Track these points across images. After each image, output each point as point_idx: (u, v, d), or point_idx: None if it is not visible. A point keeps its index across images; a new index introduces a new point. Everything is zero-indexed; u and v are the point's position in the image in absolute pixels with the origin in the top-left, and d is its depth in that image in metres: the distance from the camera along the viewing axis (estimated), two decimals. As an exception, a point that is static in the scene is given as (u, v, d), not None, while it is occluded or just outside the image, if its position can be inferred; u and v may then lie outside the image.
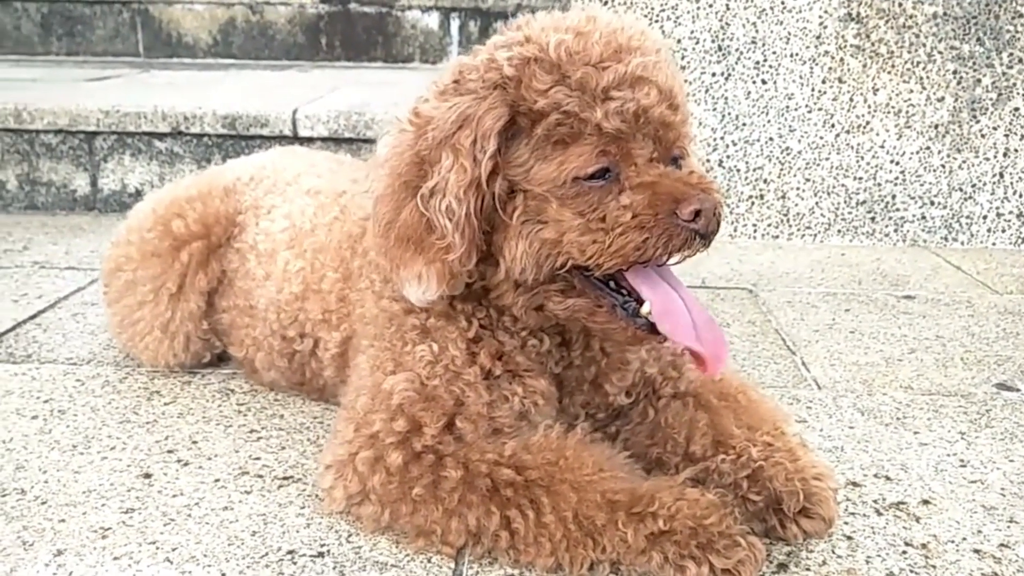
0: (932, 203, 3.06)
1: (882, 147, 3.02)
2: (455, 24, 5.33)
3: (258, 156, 2.05)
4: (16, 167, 3.44)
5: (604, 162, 1.20)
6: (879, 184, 3.05)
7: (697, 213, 1.17)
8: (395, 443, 1.26)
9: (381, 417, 1.29)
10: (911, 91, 2.98)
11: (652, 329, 1.25)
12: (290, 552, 1.26)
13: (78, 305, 2.32)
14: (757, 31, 2.94)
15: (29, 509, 1.35)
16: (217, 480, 1.46)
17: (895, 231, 3.09)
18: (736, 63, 2.97)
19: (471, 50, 1.32)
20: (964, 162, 3.02)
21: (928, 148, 3.02)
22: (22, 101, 3.41)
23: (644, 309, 1.24)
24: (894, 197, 3.06)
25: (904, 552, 1.30)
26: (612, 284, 1.27)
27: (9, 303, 2.33)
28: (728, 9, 2.92)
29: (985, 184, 3.04)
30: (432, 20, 5.35)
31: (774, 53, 2.96)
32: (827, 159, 3.04)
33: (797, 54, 2.96)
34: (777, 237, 3.11)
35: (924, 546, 1.31)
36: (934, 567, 1.26)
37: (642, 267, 1.23)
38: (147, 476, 1.47)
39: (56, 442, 1.58)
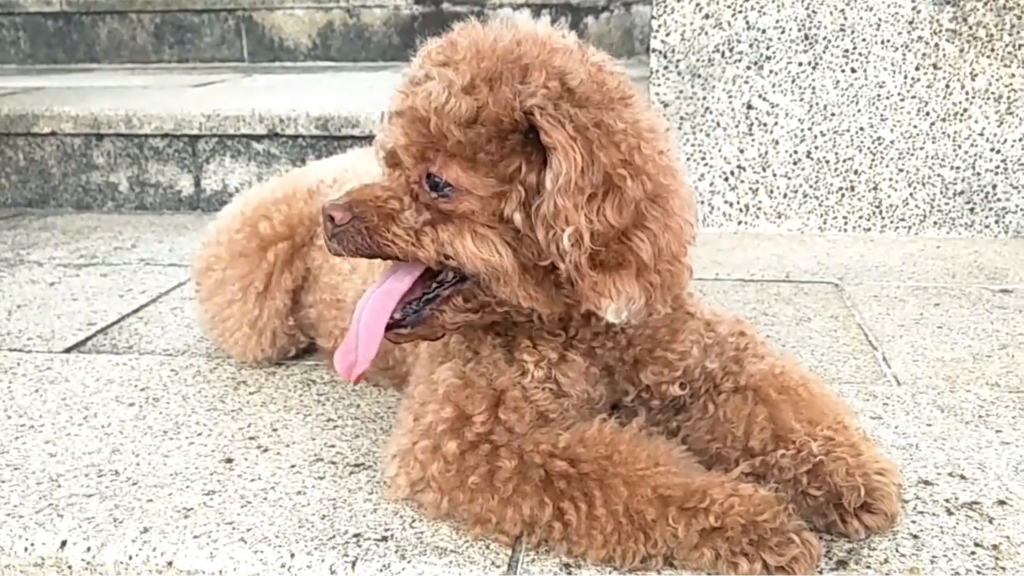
0: (1037, 192, 2.92)
1: (981, 135, 2.90)
2: (545, 20, 5.34)
3: (338, 158, 2.13)
4: (127, 170, 3.65)
5: None
6: (978, 174, 2.93)
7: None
8: (446, 431, 1.31)
9: (432, 408, 1.34)
10: (1012, 75, 2.84)
11: None
12: (356, 535, 1.32)
13: (177, 300, 2.46)
14: (845, 18, 2.86)
15: (121, 489, 1.46)
16: (293, 466, 1.53)
17: (996, 222, 2.96)
18: (824, 52, 2.89)
19: None
20: (1072, 149, 2.87)
21: (1032, 135, 2.88)
22: (132, 107, 3.61)
23: None
24: (995, 187, 2.93)
25: (973, 553, 1.26)
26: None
27: (116, 298, 2.48)
28: (815, -3, 2.86)
29: (1096, 172, 2.88)
30: (523, 17, 5.37)
31: (864, 40, 2.87)
32: (921, 148, 2.93)
33: (888, 41, 2.86)
34: (869, 230, 3.02)
35: (995, 547, 1.27)
36: (1003, 569, 1.22)
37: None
38: (229, 461, 1.55)
39: (149, 428, 1.69)
